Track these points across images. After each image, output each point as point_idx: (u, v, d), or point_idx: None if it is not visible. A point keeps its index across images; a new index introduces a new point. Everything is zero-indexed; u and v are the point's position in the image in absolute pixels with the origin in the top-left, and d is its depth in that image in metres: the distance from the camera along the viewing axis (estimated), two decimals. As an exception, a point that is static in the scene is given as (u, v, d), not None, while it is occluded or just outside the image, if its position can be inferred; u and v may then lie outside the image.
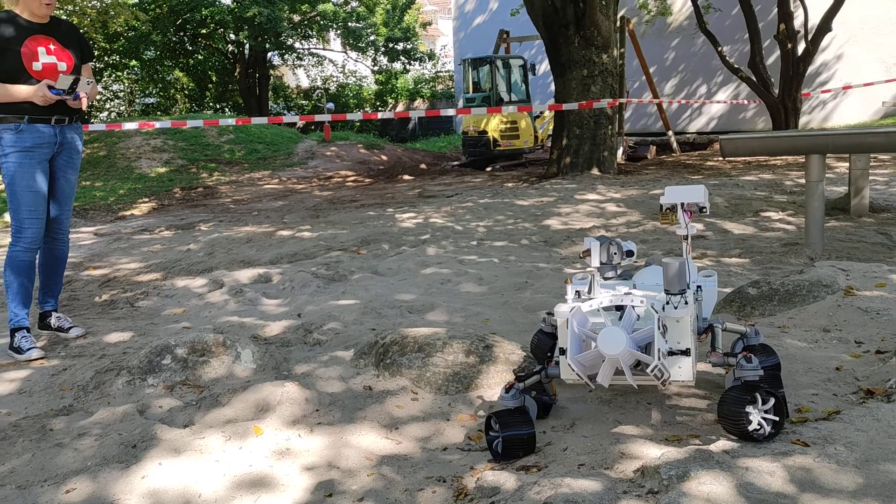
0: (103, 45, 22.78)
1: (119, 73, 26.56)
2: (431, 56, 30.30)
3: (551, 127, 13.42)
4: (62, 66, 3.75)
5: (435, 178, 13.47)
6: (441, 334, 3.16)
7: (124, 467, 2.38)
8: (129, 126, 12.68)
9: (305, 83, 31.82)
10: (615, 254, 2.64)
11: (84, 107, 3.81)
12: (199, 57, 26.34)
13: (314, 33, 26.89)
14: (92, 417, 2.81)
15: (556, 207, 8.00)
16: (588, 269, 2.67)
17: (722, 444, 2.22)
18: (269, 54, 26.25)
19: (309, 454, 2.47)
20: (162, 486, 2.27)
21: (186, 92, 28.40)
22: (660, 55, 20.08)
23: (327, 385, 3.00)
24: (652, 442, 2.35)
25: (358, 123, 25.65)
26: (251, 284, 4.96)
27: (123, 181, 13.34)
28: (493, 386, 2.93)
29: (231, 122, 14.20)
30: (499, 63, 15.30)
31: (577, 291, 2.59)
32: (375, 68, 29.85)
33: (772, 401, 2.26)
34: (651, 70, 16.23)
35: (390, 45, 27.48)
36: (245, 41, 24.12)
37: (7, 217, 7.29)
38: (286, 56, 27.37)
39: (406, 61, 28.86)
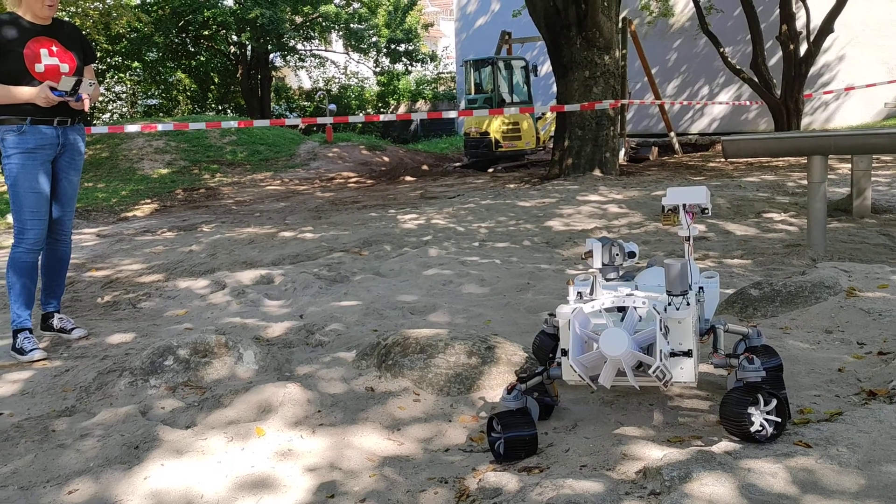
0: (106, 46, 22.79)
1: (121, 75, 26.58)
2: (433, 57, 30.28)
3: (553, 128, 13.43)
4: (64, 67, 3.75)
5: (437, 179, 13.47)
6: (443, 335, 3.16)
7: (126, 468, 2.39)
8: (132, 128, 12.69)
9: (307, 84, 31.83)
10: (617, 255, 2.64)
11: (86, 108, 3.81)
12: (202, 58, 26.36)
13: (316, 35, 26.89)
14: (94, 418, 2.81)
15: (558, 209, 8.00)
16: (590, 270, 2.67)
17: (724, 446, 2.22)
18: (272, 56, 26.25)
19: (311, 455, 2.47)
20: (164, 486, 2.28)
21: (189, 93, 28.41)
22: (662, 56, 20.08)
23: (329, 386, 3.00)
24: (654, 443, 2.35)
25: (360, 125, 25.66)
26: (253, 285, 4.97)
27: (126, 182, 13.35)
28: (495, 387, 2.93)
29: (233, 124, 14.21)
30: (501, 64, 15.31)
31: (578, 292, 2.59)
32: (377, 70, 29.86)
33: (774, 402, 2.25)
34: (653, 71, 16.23)
35: (392, 47, 27.48)
36: (247, 43, 24.12)
37: (10, 218, 7.30)
38: (288, 57, 27.36)
39: (408, 63, 28.85)
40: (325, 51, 29.88)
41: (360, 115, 26.37)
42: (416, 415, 2.78)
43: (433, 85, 31.38)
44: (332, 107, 25.64)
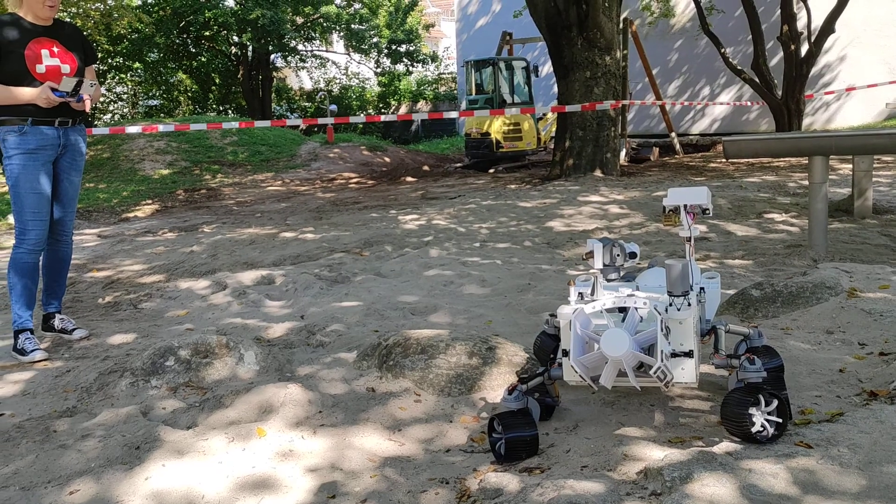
0: (107, 47, 22.81)
1: (122, 76, 26.61)
2: (434, 58, 30.28)
3: (554, 129, 13.43)
4: (66, 68, 3.76)
5: (438, 179, 13.48)
6: (444, 336, 3.16)
7: (128, 469, 2.39)
8: (133, 129, 12.70)
9: (308, 85, 31.85)
10: (618, 255, 2.64)
11: (87, 109, 3.82)
12: (203, 59, 26.38)
13: (317, 35, 26.90)
14: (95, 419, 2.81)
15: (559, 209, 8.00)
16: (591, 270, 2.67)
17: (725, 446, 2.22)
18: (273, 56, 26.26)
19: (312, 456, 2.47)
20: (165, 487, 2.28)
21: (190, 94, 28.43)
22: (663, 57, 20.08)
23: (330, 387, 3.00)
24: (655, 444, 2.35)
25: (361, 125, 25.67)
26: (254, 286, 4.97)
27: (127, 183, 13.36)
28: (496, 388, 2.93)
29: (234, 125, 14.22)
30: (502, 65, 15.31)
31: (580, 293, 2.59)
32: (378, 70, 29.87)
33: (775, 403, 2.25)
34: (654, 72, 16.23)
35: (393, 47, 27.49)
36: (248, 43, 24.13)
37: (11, 219, 7.32)
38: (289, 58, 27.37)
39: (409, 63, 28.86)
40: (326, 51, 29.90)
41: (361, 115, 26.36)
42: (417, 415, 2.78)
43: (434, 85, 31.40)
44: (333, 107, 25.67)
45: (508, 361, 3.04)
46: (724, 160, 13.04)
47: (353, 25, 25.34)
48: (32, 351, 3.71)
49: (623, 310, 2.38)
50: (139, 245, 7.44)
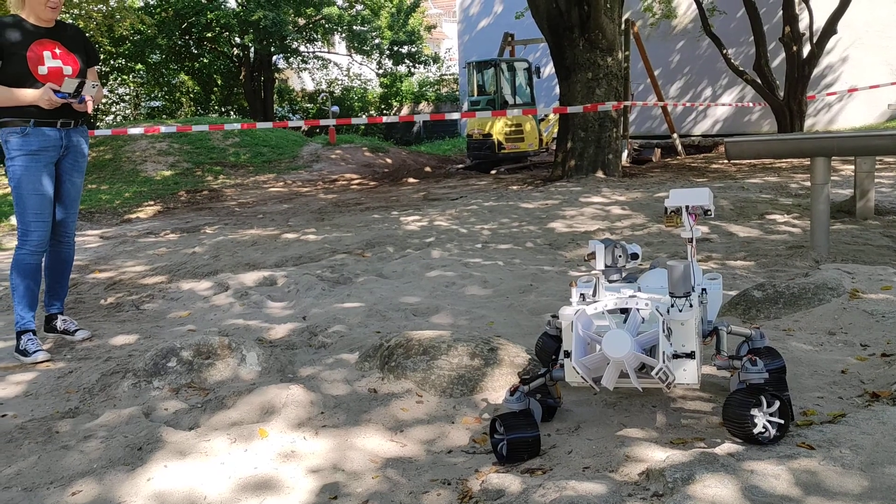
0: (109, 48, 22.86)
1: (125, 77, 26.65)
2: (436, 59, 30.32)
3: (556, 130, 13.43)
4: (67, 69, 3.76)
5: (439, 181, 13.48)
6: (446, 337, 3.16)
7: (130, 469, 2.39)
8: (135, 131, 12.71)
9: (310, 86, 31.89)
10: (620, 256, 2.64)
11: (89, 110, 3.82)
12: (205, 60, 26.41)
13: (319, 37, 26.94)
14: (98, 420, 2.81)
15: (561, 210, 8.00)
16: (593, 271, 2.67)
17: (727, 447, 2.22)
18: (274, 58, 26.30)
19: (314, 456, 2.48)
20: (167, 488, 2.28)
21: (192, 95, 28.47)
22: (664, 58, 20.09)
23: (332, 388, 3.00)
24: (657, 445, 2.34)
25: (363, 127, 25.69)
26: (256, 287, 4.97)
27: (129, 184, 13.38)
28: (498, 389, 2.93)
29: (236, 126, 14.23)
30: (503, 66, 15.31)
31: (581, 294, 2.59)
32: (380, 71, 29.91)
33: (777, 404, 2.25)
34: (656, 73, 16.23)
35: (395, 49, 27.52)
36: (250, 45, 24.17)
37: (13, 220, 7.33)
38: (291, 59, 27.42)
39: (411, 64, 28.90)
40: (328, 53, 29.93)
41: (363, 116, 26.40)
42: (419, 416, 2.78)
43: (436, 87, 31.43)
44: (335, 109, 25.69)
45: (510, 362, 3.04)
46: (725, 161, 13.03)
47: (354, 27, 25.38)
48: (35, 352, 3.72)
49: (625, 311, 2.38)
50: (141, 246, 7.44)
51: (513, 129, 14.82)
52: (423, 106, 30.15)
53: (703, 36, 16.57)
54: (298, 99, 30.82)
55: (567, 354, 2.39)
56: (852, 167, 7.20)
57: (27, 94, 3.63)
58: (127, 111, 28.36)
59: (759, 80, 14.94)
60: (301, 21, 25.25)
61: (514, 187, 11.15)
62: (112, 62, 24.55)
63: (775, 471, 2.03)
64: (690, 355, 2.32)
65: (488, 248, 6.25)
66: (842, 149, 5.47)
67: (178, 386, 3.10)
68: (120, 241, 7.88)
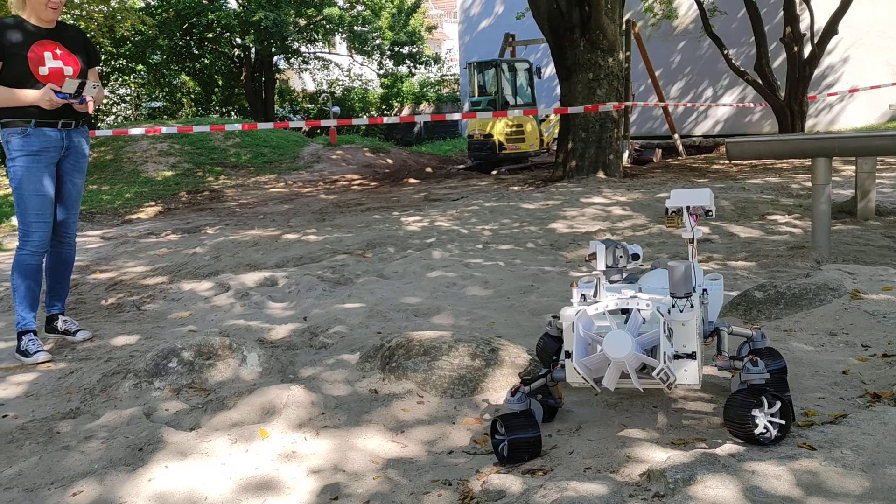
0: (110, 49, 22.87)
1: (126, 78, 26.67)
2: (437, 60, 30.34)
3: (557, 130, 13.43)
4: (68, 70, 3.76)
5: (440, 181, 13.48)
6: (447, 338, 3.16)
7: (131, 470, 2.39)
8: (136, 131, 12.72)
9: (311, 87, 31.90)
10: (621, 257, 2.64)
11: (90, 110, 3.82)
12: (206, 61, 26.43)
13: (320, 37, 26.95)
14: (98, 420, 2.82)
15: (562, 211, 8.00)
16: (594, 272, 2.67)
17: (728, 448, 2.22)
18: (275, 58, 26.31)
19: (315, 457, 2.48)
20: (168, 488, 2.28)
21: (193, 96, 28.49)
22: (665, 58, 20.09)
23: (333, 388, 3.00)
24: (658, 445, 2.34)
25: (363, 127, 25.69)
26: (257, 288, 4.97)
27: (130, 185, 13.38)
28: (499, 389, 2.93)
29: (237, 127, 14.24)
30: (504, 66, 15.31)
31: (582, 295, 2.59)
32: (381, 72, 29.92)
33: (778, 404, 2.25)
34: (657, 73, 16.23)
35: (396, 49, 27.54)
36: (251, 45, 24.18)
37: (14, 221, 7.33)
38: (292, 60, 27.43)
39: (412, 65, 28.91)
40: (329, 53, 29.95)
41: (364, 117, 26.41)
42: (420, 417, 2.78)
43: (437, 87, 31.44)
44: (336, 109, 25.71)
45: (511, 363, 3.04)
46: (726, 162, 13.03)
47: (355, 27, 25.39)
48: (36, 352, 3.72)
49: (626, 311, 2.38)
50: (142, 247, 7.45)
51: (514, 129, 14.82)
52: (423, 106, 30.16)
53: (703, 36, 16.58)
54: (299, 99, 30.84)
55: (568, 355, 2.39)
56: (853, 168, 7.20)
57: (28, 95, 3.63)
58: (128, 112, 28.38)
59: (760, 81, 14.94)
60: (302, 22, 25.26)
61: (515, 188, 11.15)
62: (113, 63, 24.57)
63: (776, 471, 2.02)
64: (691, 356, 2.32)
65: (489, 248, 6.25)
66: (843, 149, 5.47)
67: (179, 386, 3.10)
68: (121, 242, 7.88)
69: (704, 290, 2.72)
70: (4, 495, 2.32)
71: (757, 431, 2.22)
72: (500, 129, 14.69)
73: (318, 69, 30.35)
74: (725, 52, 15.43)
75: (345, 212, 9.53)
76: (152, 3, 23.67)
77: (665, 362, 2.19)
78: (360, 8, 26.29)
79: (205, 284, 5.09)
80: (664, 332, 2.22)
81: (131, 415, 2.82)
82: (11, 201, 7.03)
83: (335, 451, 2.51)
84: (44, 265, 3.94)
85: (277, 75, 27.88)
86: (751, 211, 7.39)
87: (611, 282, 2.64)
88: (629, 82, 14.12)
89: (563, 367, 2.50)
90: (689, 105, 19.05)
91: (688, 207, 2.69)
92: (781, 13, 14.94)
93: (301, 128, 20.75)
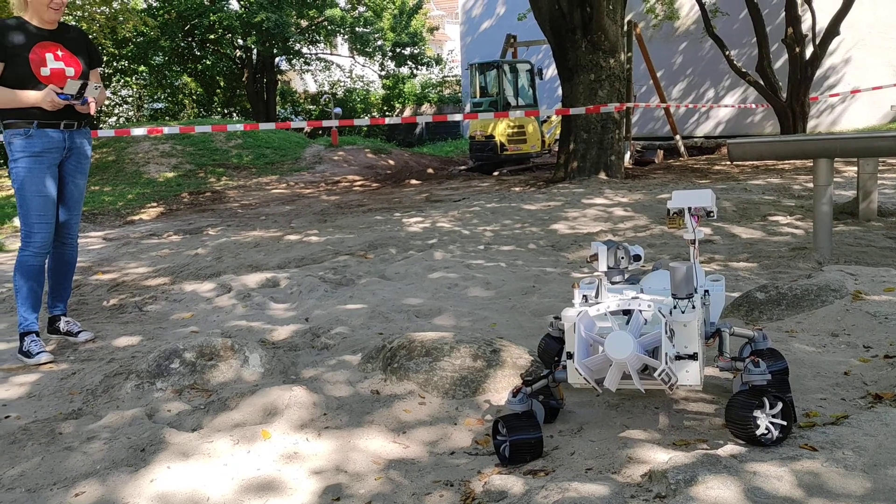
0: (112, 50, 22.89)
1: (128, 79, 26.70)
2: (438, 61, 30.34)
3: (558, 131, 13.43)
4: (70, 71, 3.77)
5: (442, 182, 13.49)
6: (448, 339, 3.16)
7: (133, 471, 2.39)
8: (138, 132, 12.74)
9: (313, 88, 31.91)
10: (622, 258, 2.64)
11: (92, 112, 3.83)
12: (208, 62, 26.45)
13: (322, 38, 26.97)
14: (101, 421, 2.82)
15: (564, 212, 8.00)
16: (595, 273, 2.67)
17: (729, 449, 2.22)
18: (277, 59, 26.33)
19: (317, 458, 2.48)
20: (170, 489, 2.28)
21: (194, 97, 28.51)
22: (667, 59, 20.08)
23: (335, 389, 3.00)
24: (659, 446, 2.34)
25: (365, 128, 25.70)
26: (259, 289, 4.98)
27: (132, 186, 13.39)
28: (501, 390, 2.93)
29: (239, 127, 14.26)
30: (506, 67, 15.31)
31: (584, 296, 2.59)
32: (383, 73, 29.92)
33: (779, 405, 2.25)
34: (658, 74, 16.22)
35: (397, 50, 27.54)
36: (253, 46, 24.20)
37: (17, 222, 7.33)
38: (294, 61, 27.45)
39: (413, 66, 28.91)
40: (331, 54, 29.95)
41: (366, 118, 26.41)
42: (422, 418, 2.78)
43: (438, 88, 31.45)
44: (338, 110, 25.70)
45: (513, 364, 3.04)
46: (728, 163, 13.03)
47: (357, 28, 25.39)
48: (38, 353, 3.72)
49: (627, 312, 2.38)
50: (144, 248, 7.45)
51: (515, 130, 14.82)
52: (425, 107, 30.16)
53: (705, 37, 16.57)
54: (301, 100, 30.86)
55: (570, 356, 2.39)
56: (855, 169, 7.20)
57: (30, 96, 3.64)
58: (130, 113, 28.42)
59: (761, 82, 14.93)
60: (304, 23, 25.28)
61: (517, 189, 11.15)
62: (115, 64, 24.59)
63: (778, 472, 2.02)
64: (693, 357, 2.32)
65: (491, 249, 6.25)
66: (844, 150, 5.47)
67: (181, 387, 3.11)
68: (123, 243, 7.89)
69: (706, 290, 2.73)
70: (7, 496, 2.32)
71: (758, 432, 2.22)
72: (501, 130, 14.70)
73: (320, 70, 30.36)
74: (727, 52, 15.42)
75: (346, 213, 9.53)
76: (154, 5, 23.69)
77: (666, 363, 2.19)
78: (361, 9, 26.30)
79: (207, 285, 5.10)
80: (666, 332, 2.22)
81: (133, 415, 2.82)
82: (14, 202, 7.04)
83: (337, 451, 2.52)
84: (46, 266, 3.94)
85: (279, 76, 27.90)
86: (752, 212, 7.39)
87: (612, 283, 2.64)
88: (631, 83, 14.11)
89: (564, 367, 2.50)
90: (690, 106, 19.05)
91: (689, 208, 2.70)
92: (783, 14, 14.92)
93: (303, 129, 20.76)
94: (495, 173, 14.64)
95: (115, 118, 27.56)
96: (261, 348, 3.43)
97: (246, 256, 6.46)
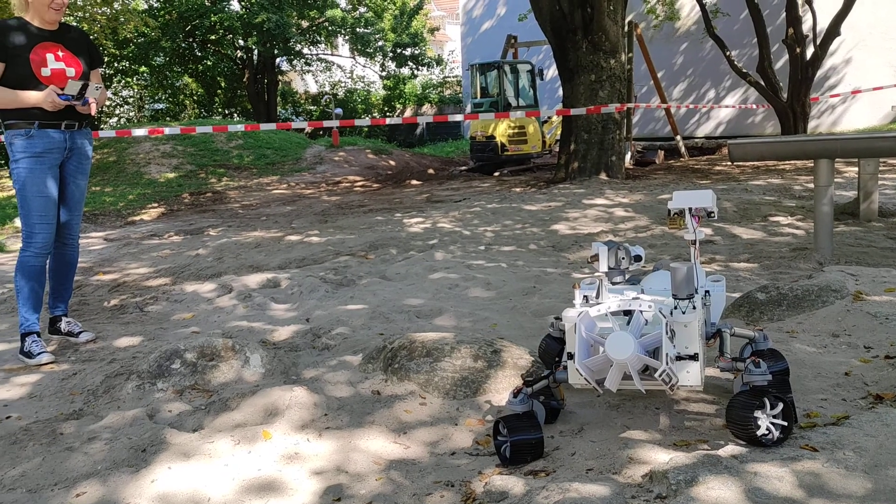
0: (113, 51, 22.89)
1: (129, 79, 26.70)
2: (439, 61, 30.33)
3: (559, 132, 13.43)
4: (70, 72, 3.78)
5: (443, 183, 13.49)
6: (449, 339, 3.17)
7: (134, 471, 2.40)
8: (139, 133, 12.75)
9: (314, 89, 31.92)
10: (623, 259, 2.64)
11: (93, 112, 3.83)
12: (208, 63, 26.46)
13: (322, 39, 26.97)
14: (102, 421, 2.82)
15: (564, 212, 8.00)
16: (596, 273, 2.67)
17: (730, 449, 2.22)
18: (278, 60, 26.33)
19: (317, 458, 2.48)
20: (171, 489, 2.28)
21: (195, 98, 28.52)
22: (668, 60, 20.08)
23: (336, 390, 3.01)
24: (660, 447, 2.34)
25: (366, 129, 25.70)
26: (260, 289, 4.98)
27: (133, 186, 13.40)
28: (502, 391, 2.93)
29: (240, 128, 14.27)
30: (507, 68, 15.32)
31: (585, 296, 2.59)
32: (383, 74, 29.92)
33: (780, 406, 2.25)
34: (659, 75, 16.22)
35: (398, 51, 27.53)
36: (254, 47, 24.21)
37: (18, 222, 7.35)
38: (294, 62, 27.45)
39: (414, 66, 28.91)
40: (332, 55, 29.95)
41: (367, 118, 26.42)
42: (423, 418, 2.78)
43: (439, 89, 31.45)
44: (339, 111, 25.70)
45: (513, 364, 3.04)
46: (729, 163, 13.03)
47: (358, 29, 25.39)
48: (39, 354, 3.73)
49: (628, 313, 2.38)
50: (145, 248, 7.46)
51: (516, 131, 14.82)
52: (426, 108, 30.16)
53: (706, 38, 16.57)
54: (302, 101, 30.85)
55: (570, 356, 2.39)
56: (856, 169, 7.20)
57: (30, 96, 3.64)
58: (131, 113, 28.43)
59: (762, 82, 14.93)
60: (304, 23, 25.28)
61: (518, 189, 11.15)
62: (116, 65, 24.60)
63: (779, 473, 2.02)
64: (694, 357, 2.32)
65: (491, 250, 6.25)
66: (845, 151, 5.47)
67: (182, 388, 3.11)
68: (124, 244, 7.90)
69: (707, 291, 2.73)
70: (8, 496, 2.32)
71: (759, 433, 2.22)
72: (502, 130, 14.70)
73: (321, 71, 30.36)
74: (728, 53, 15.42)
75: (347, 213, 9.54)
76: (155, 6, 23.70)
77: (667, 364, 2.19)
78: (362, 10, 26.30)
79: (208, 286, 5.10)
80: (666, 333, 2.22)
81: (134, 416, 2.82)
82: (15, 203, 7.05)
83: (338, 452, 2.52)
84: (47, 267, 3.95)
85: (280, 77, 27.91)
86: (753, 212, 7.39)
87: (613, 283, 2.64)
88: (631, 84, 14.11)
89: (565, 368, 2.50)
90: (691, 106, 19.05)
91: (690, 209, 2.70)
92: (784, 14, 14.92)
93: (303, 129, 20.76)
94: (496, 174, 14.64)
95: (116, 119, 27.57)
96: (262, 349, 3.43)
97: (247, 257, 6.46)
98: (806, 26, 14.64)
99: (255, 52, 24.95)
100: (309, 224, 8.62)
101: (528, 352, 3.16)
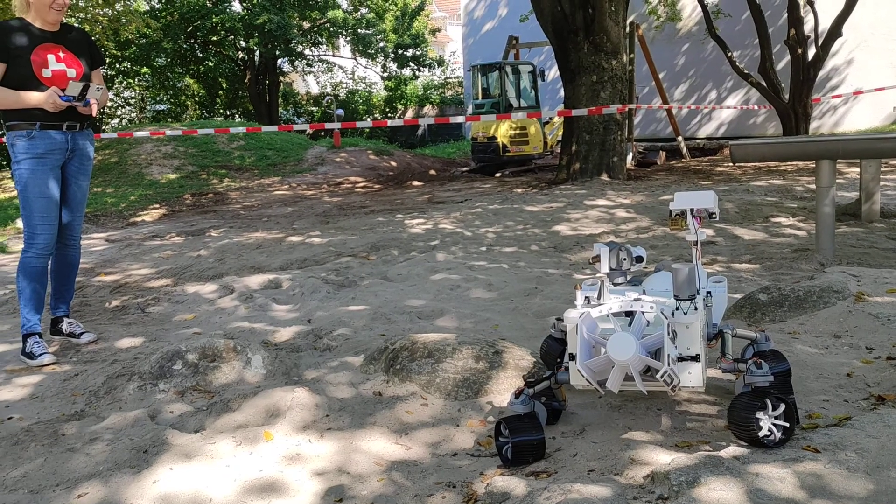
0: (114, 52, 22.91)
1: (130, 80, 26.72)
2: (441, 62, 30.32)
3: (560, 133, 13.43)
4: (71, 73, 3.78)
5: (444, 183, 13.49)
6: (451, 340, 3.17)
7: (136, 472, 2.40)
8: (140, 134, 12.76)
9: (315, 90, 31.93)
10: (625, 259, 2.64)
11: (94, 113, 3.84)
12: (210, 64, 26.47)
13: (324, 40, 26.98)
14: (103, 422, 2.82)
15: (566, 213, 8.00)
16: (597, 274, 2.67)
17: (732, 450, 2.22)
18: (279, 61, 26.34)
19: (319, 459, 2.48)
20: (173, 490, 2.29)
21: (197, 99, 28.54)
22: (669, 61, 20.07)
23: (337, 391, 3.01)
24: (662, 448, 2.34)
25: (367, 130, 25.71)
26: (261, 290, 4.98)
27: (134, 187, 13.41)
28: (503, 392, 2.93)
29: (241, 129, 14.28)
30: (508, 69, 15.32)
31: (586, 297, 2.59)
32: (385, 75, 29.93)
33: (782, 407, 2.25)
34: (661, 75, 16.22)
35: (400, 52, 27.54)
36: (255, 48, 24.22)
37: (20, 223, 7.36)
38: (296, 63, 27.47)
39: (415, 67, 28.91)
40: (333, 56, 29.97)
41: (368, 120, 26.43)
42: (424, 419, 2.78)
43: (441, 90, 31.45)
44: (340, 112, 25.69)
45: (515, 365, 3.04)
46: (730, 164, 13.01)
47: (359, 30, 25.41)
48: (41, 355, 3.73)
49: (630, 314, 2.38)
50: (147, 249, 7.46)
51: (517, 132, 14.82)
52: (427, 109, 30.17)
53: (707, 38, 16.56)
54: (303, 102, 30.87)
55: (572, 357, 2.39)
56: (857, 170, 7.19)
57: (32, 97, 3.65)
58: (132, 114, 28.45)
59: (763, 83, 14.92)
60: (306, 24, 25.30)
61: (519, 190, 11.15)
62: (117, 66, 24.62)
63: (780, 474, 2.02)
64: (695, 358, 2.32)
65: (493, 251, 6.25)
66: (847, 152, 5.46)
67: (184, 389, 3.11)
68: (125, 245, 7.90)
69: (708, 292, 2.72)
70: (10, 497, 2.33)
71: (761, 434, 2.22)
72: (503, 131, 14.70)
73: (322, 72, 30.39)
74: (729, 54, 15.41)
75: (349, 214, 9.54)
76: (157, 7, 23.73)
77: (669, 364, 2.19)
78: (363, 11, 26.31)
79: (209, 287, 5.10)
80: (668, 334, 2.22)
81: (136, 417, 2.83)
82: (17, 204, 7.06)
83: (339, 453, 2.52)
84: (49, 268, 3.95)
85: (281, 78, 27.92)
86: (755, 213, 7.39)
87: (615, 284, 2.64)
88: (633, 85, 14.11)
89: (566, 369, 2.50)
90: (692, 107, 19.04)
91: (692, 210, 2.69)
92: (785, 15, 14.90)
93: (305, 130, 20.77)
94: (497, 175, 14.64)
95: (117, 120, 27.58)
96: (263, 350, 3.44)
97: (248, 258, 6.47)
98: (807, 27, 14.63)
99: (257, 53, 24.97)
100: (310, 225, 8.63)
101: (529, 353, 3.16)
